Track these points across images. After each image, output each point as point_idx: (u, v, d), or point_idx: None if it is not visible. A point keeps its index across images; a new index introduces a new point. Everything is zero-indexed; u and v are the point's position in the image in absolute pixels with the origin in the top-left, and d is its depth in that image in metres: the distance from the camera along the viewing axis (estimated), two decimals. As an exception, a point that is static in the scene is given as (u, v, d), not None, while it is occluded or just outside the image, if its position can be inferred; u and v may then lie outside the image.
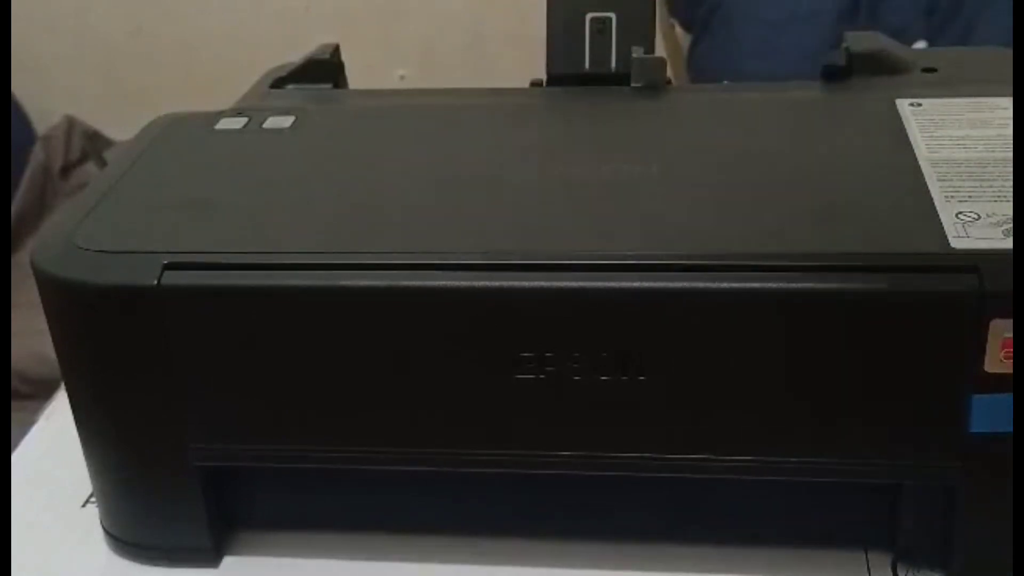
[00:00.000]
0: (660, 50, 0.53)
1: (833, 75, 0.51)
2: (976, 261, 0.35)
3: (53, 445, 0.51)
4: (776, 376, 0.37)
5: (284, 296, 0.38)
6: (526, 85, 0.54)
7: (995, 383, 0.36)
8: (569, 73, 0.53)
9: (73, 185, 1.52)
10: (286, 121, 0.48)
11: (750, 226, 0.39)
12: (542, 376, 0.38)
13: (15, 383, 1.13)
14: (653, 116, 0.49)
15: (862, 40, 0.53)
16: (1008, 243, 0.36)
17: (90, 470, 0.44)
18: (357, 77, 0.59)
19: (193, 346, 0.39)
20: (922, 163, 0.41)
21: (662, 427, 0.38)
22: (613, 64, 0.53)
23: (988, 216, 0.37)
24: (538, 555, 0.43)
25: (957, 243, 0.36)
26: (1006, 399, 0.36)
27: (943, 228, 0.37)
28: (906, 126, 0.44)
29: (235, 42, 1.58)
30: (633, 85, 0.52)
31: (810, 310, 0.36)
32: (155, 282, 0.38)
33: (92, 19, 1.62)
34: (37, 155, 1.52)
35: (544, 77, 0.54)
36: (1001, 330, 0.35)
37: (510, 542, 0.43)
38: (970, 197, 0.39)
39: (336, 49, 0.58)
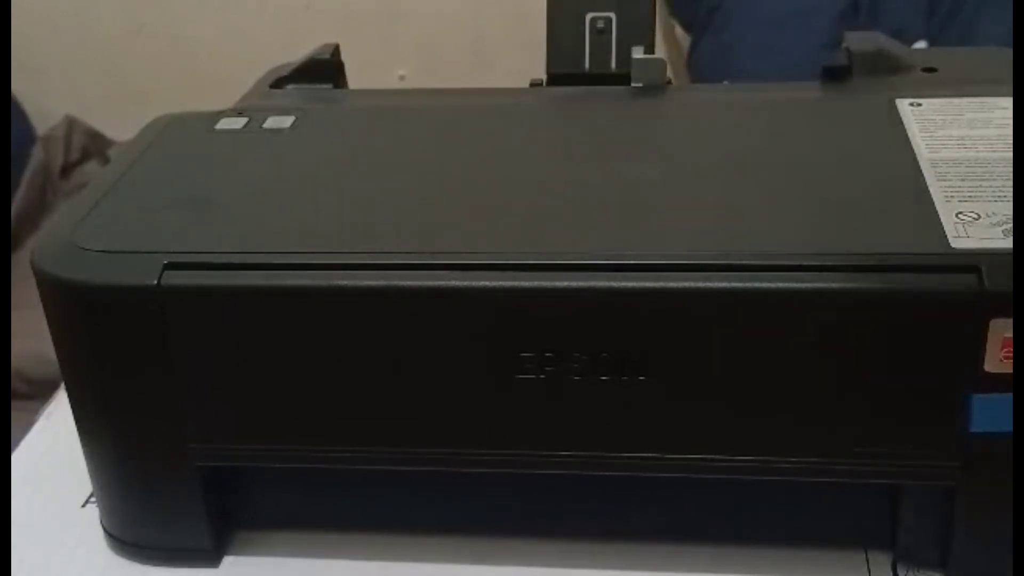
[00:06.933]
0: (660, 50, 0.53)
1: (833, 75, 0.51)
2: (976, 261, 0.35)
3: (53, 445, 0.51)
4: (775, 376, 0.37)
5: (284, 296, 0.38)
6: (526, 85, 0.54)
7: (995, 383, 0.36)
8: (569, 73, 0.53)
9: (73, 185, 1.52)
10: (286, 121, 0.48)
11: (750, 226, 0.39)
12: (542, 376, 0.38)
13: (15, 383, 1.13)
14: (653, 116, 0.49)
15: (862, 40, 0.53)
16: (1008, 243, 0.36)
17: (90, 470, 0.44)
18: (357, 77, 0.59)
19: (193, 346, 0.39)
20: (922, 163, 0.41)
21: (662, 427, 0.38)
22: (613, 64, 0.53)
23: (988, 216, 0.37)
24: (538, 555, 0.43)
25: (957, 243, 0.36)
26: (1006, 399, 0.36)
27: (943, 228, 0.37)
28: (906, 126, 0.44)
29: (235, 42, 1.58)
30: (633, 85, 0.52)
31: (810, 310, 0.36)
32: (155, 282, 0.38)
33: (92, 19, 1.62)
34: (37, 155, 1.52)
35: (544, 77, 0.54)
36: (1001, 330, 0.35)
37: (510, 542, 0.43)
38: (970, 197, 0.39)
39: (336, 49, 0.58)
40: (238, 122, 0.49)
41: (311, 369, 0.39)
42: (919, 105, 0.45)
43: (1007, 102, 0.45)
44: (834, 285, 0.36)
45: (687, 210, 0.40)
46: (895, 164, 0.41)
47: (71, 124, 1.58)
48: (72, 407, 0.42)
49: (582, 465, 0.40)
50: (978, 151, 0.41)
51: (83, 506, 0.47)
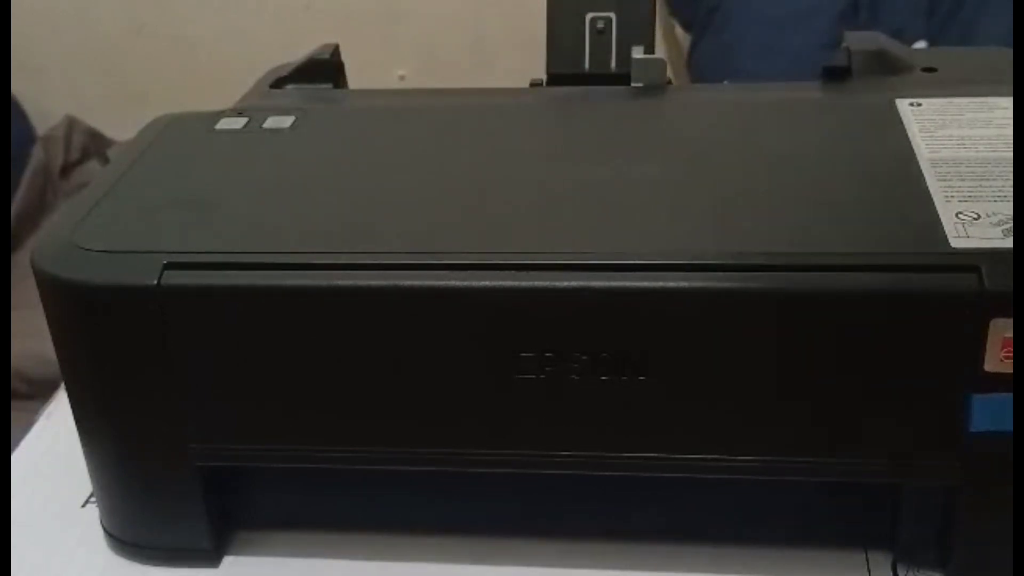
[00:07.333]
0: (660, 50, 0.53)
1: (833, 75, 0.51)
2: (976, 261, 0.35)
3: (53, 445, 0.51)
4: (775, 376, 0.37)
5: (284, 296, 0.38)
6: (526, 85, 0.54)
7: (995, 383, 0.36)
8: (569, 73, 0.53)
9: (73, 185, 1.52)
10: (286, 121, 0.48)
11: (750, 226, 0.39)
12: (542, 376, 0.38)
13: (15, 383, 1.13)
14: (653, 116, 0.49)
15: (862, 40, 0.53)
16: (1008, 243, 0.36)
17: (90, 470, 0.44)
18: (357, 77, 0.59)
19: (193, 346, 0.39)
20: (922, 163, 0.41)
21: (662, 427, 0.38)
22: (613, 64, 0.53)
23: (988, 216, 0.37)
24: (538, 555, 0.43)
25: (957, 243, 0.36)
26: (1006, 399, 0.36)
27: (943, 228, 0.37)
28: (906, 126, 0.44)
29: (235, 42, 1.58)
30: (633, 85, 0.52)
31: (810, 310, 0.36)
32: (155, 282, 0.38)
33: (92, 19, 1.62)
34: (37, 155, 1.52)
35: (544, 77, 0.54)
36: (1001, 330, 0.35)
37: (510, 542, 0.43)
38: (970, 197, 0.39)
39: (336, 49, 0.58)
40: (238, 122, 0.48)
41: (311, 369, 0.39)
42: (919, 105, 0.45)
43: (1007, 102, 0.44)
44: (834, 285, 0.36)
45: (687, 210, 0.40)
46: (895, 164, 0.41)
47: (71, 124, 1.58)
48: (72, 407, 0.42)
49: (582, 465, 0.40)
50: (978, 151, 0.41)
51: (83, 506, 0.47)
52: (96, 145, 1.58)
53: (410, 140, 0.47)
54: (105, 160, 1.56)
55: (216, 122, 0.49)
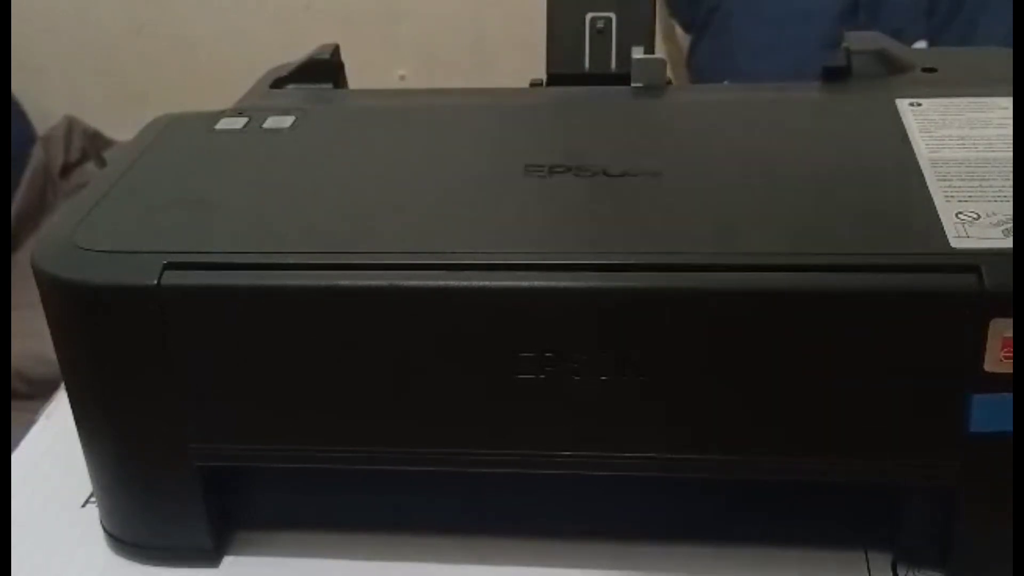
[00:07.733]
0: (660, 50, 0.53)
1: (833, 75, 0.51)
2: (976, 261, 0.35)
3: (53, 445, 0.51)
4: (775, 376, 0.37)
5: (284, 296, 0.38)
6: (526, 85, 0.54)
7: (995, 383, 0.36)
8: (569, 73, 0.53)
9: (73, 185, 1.53)
10: (286, 121, 0.48)
11: (750, 226, 0.39)
12: (542, 376, 0.38)
13: (15, 383, 1.14)
14: (653, 116, 0.49)
15: (862, 40, 0.53)
16: (1008, 243, 0.36)
17: (90, 470, 0.44)
18: (357, 77, 0.59)
19: (193, 346, 0.39)
20: (922, 163, 0.41)
21: (662, 427, 0.38)
22: (613, 64, 0.53)
23: (988, 216, 0.37)
24: (538, 555, 0.43)
25: (957, 243, 0.36)
26: (1006, 399, 0.36)
27: (943, 228, 0.37)
28: (906, 126, 0.44)
29: (235, 42, 1.58)
30: (633, 85, 0.52)
31: (810, 310, 0.36)
32: (155, 282, 0.38)
33: (92, 19, 1.62)
34: (37, 155, 1.52)
35: (544, 77, 0.55)
36: (1001, 330, 0.35)
37: (510, 542, 0.43)
38: (970, 197, 0.39)
39: (336, 49, 0.58)
40: (238, 122, 0.48)
41: (311, 369, 0.39)
42: (919, 105, 0.45)
43: (1007, 102, 0.45)
44: (835, 285, 0.36)
45: (687, 210, 0.40)
46: (895, 164, 0.41)
47: (71, 124, 1.58)
48: (72, 407, 0.42)
49: (582, 465, 0.40)
50: (978, 151, 0.41)
51: (83, 506, 0.47)
52: (96, 145, 1.59)
53: (410, 140, 0.47)
54: (102, 162, 1.56)
55: (216, 122, 0.49)
